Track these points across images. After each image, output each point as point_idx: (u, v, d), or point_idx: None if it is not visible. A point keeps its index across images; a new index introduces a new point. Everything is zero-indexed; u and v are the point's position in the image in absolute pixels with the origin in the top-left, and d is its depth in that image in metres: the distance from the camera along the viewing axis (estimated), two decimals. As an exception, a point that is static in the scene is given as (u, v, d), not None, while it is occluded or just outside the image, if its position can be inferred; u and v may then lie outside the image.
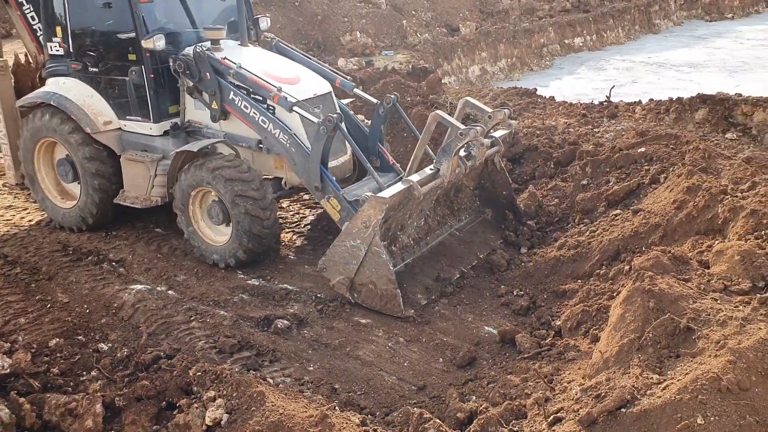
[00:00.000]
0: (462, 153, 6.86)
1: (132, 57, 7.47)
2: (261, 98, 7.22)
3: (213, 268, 7.38)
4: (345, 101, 8.31)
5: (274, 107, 7.13)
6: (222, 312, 6.56)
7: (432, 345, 5.90)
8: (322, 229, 8.23)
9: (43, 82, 8.50)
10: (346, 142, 7.36)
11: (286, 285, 7.01)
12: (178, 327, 6.34)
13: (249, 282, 7.11)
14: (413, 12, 20.51)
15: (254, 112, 7.17)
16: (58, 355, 5.69)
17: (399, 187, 6.26)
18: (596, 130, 10.56)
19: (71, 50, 7.89)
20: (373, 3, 20.12)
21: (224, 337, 6.05)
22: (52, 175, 8.50)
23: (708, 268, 4.63)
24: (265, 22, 8.55)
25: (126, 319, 6.49)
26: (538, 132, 10.11)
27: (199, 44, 7.41)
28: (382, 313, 6.34)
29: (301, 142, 7.00)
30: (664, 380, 3.71)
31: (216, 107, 7.42)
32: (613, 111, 11.71)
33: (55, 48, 8.08)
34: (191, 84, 7.51)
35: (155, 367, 5.44)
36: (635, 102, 12.31)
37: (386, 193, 6.14)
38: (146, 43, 7.20)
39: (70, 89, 7.91)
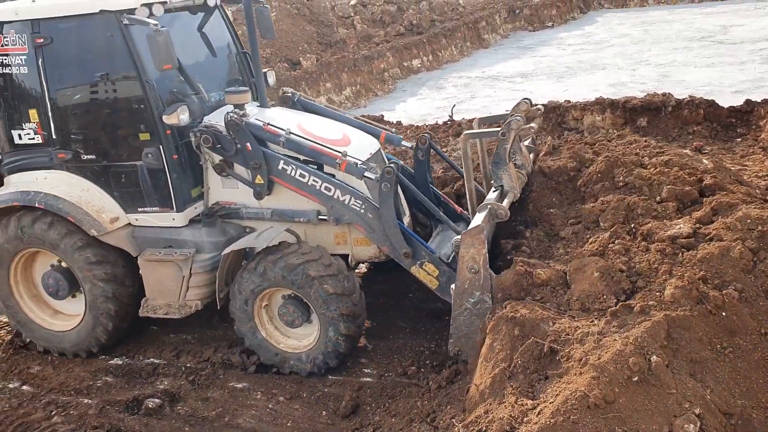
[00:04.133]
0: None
1: (144, 136, 6.15)
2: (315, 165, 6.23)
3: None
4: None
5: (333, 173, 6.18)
6: (86, 400, 6.14)
7: (314, 399, 5.80)
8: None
9: None
10: (403, 200, 6.55)
11: (152, 359, 6.66)
12: (39, 426, 5.88)
13: (111, 362, 6.70)
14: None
15: (314, 180, 6.06)
16: None
17: (481, 214, 5.36)
18: (444, 150, 10.91)
19: (54, 137, 6.37)
20: (210, 45, 19.81)
21: (91, 429, 5.66)
22: (32, 293, 6.96)
23: (569, 286, 4.72)
24: (272, 77, 7.32)
25: (-24, 428, 5.91)
26: (390, 161, 10.28)
27: (229, 111, 6.18)
28: (258, 375, 6.15)
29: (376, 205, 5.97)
30: (538, 404, 3.83)
31: (262, 181, 6.24)
32: (457, 129, 12.16)
33: (26, 136, 6.47)
34: (218, 160, 6.33)
35: (15, 482, 4.97)
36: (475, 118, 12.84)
37: (475, 222, 5.21)
38: (169, 119, 5.94)
39: (56, 185, 6.39)
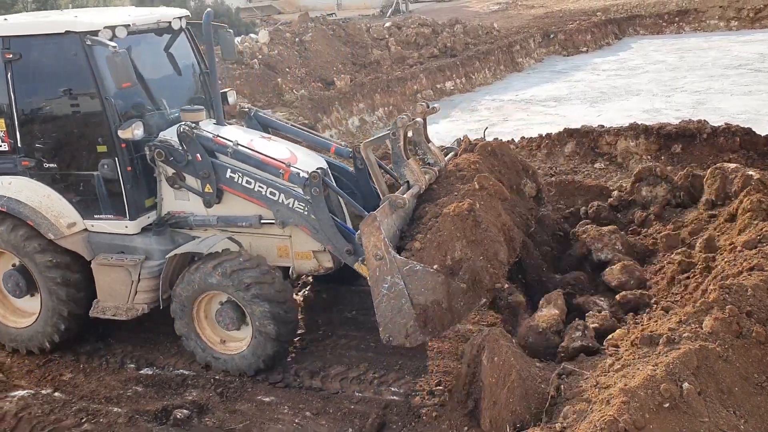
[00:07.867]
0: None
1: (102, 149, 6.53)
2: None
3: (102, 362, 6.99)
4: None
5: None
6: (116, 409, 6.21)
7: (340, 415, 5.80)
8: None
9: None
10: (342, 202, 6.79)
11: (181, 370, 6.72)
12: (69, 432, 5.94)
13: (142, 372, 6.77)
14: (287, 69, 20.62)
15: (260, 186, 6.43)
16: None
17: (380, 207, 5.74)
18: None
19: (19, 145, 6.78)
20: (246, 63, 20.08)
21: (120, 438, 5.72)
22: None
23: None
24: (233, 96, 7.77)
25: (9, 432, 6.02)
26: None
27: (181, 123, 6.56)
28: (285, 389, 6.20)
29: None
30: (565, 429, 3.80)
31: (211, 190, 6.61)
32: (490, 152, 12.17)
33: None
34: (171, 173, 6.66)
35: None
36: (509, 141, 12.85)
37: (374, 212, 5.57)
38: (124, 134, 6.34)
39: (19, 190, 6.79)
